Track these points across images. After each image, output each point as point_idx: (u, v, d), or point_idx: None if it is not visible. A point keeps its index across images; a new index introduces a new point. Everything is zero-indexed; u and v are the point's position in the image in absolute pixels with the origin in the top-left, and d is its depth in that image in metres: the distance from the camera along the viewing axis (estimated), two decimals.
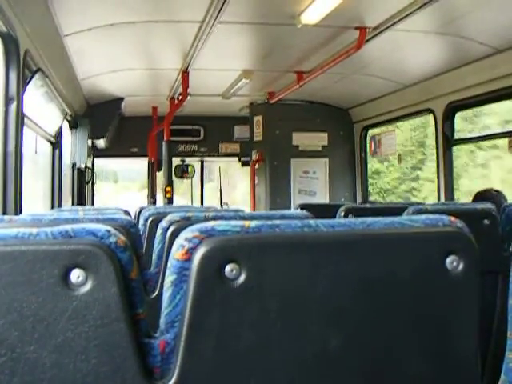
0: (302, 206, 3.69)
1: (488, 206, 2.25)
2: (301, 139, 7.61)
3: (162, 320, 0.92)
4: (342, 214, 2.86)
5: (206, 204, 9.18)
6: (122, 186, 16.31)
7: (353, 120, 7.67)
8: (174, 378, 0.88)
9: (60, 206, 5.76)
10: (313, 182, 7.67)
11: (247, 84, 6.24)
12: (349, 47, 4.78)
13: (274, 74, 6.24)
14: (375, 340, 0.94)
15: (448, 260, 0.94)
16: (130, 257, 0.89)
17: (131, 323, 0.87)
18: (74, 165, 6.94)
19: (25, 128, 3.71)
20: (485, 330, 2.17)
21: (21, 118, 3.46)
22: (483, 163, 10.11)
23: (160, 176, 7.84)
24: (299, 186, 7.63)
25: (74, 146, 6.80)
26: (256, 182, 7.78)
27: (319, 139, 7.66)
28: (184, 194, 10.65)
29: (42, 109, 4.77)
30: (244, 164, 8.74)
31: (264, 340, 0.90)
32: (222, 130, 8.67)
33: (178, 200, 10.24)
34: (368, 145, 7.46)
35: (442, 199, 5.56)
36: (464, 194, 9.25)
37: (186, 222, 1.80)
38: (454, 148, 5.71)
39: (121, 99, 7.24)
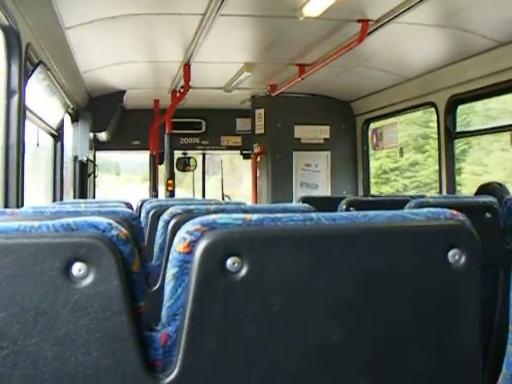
0: (304, 199, 3.70)
1: (490, 199, 2.24)
2: (303, 132, 7.60)
3: (164, 313, 0.91)
4: (344, 207, 2.87)
5: (208, 197, 9.19)
6: (125, 178, 16.24)
7: (355, 113, 7.65)
8: (175, 371, 0.88)
9: (62, 198, 5.76)
10: (315, 175, 7.67)
11: (249, 77, 6.23)
12: (351, 40, 4.76)
13: (275, 67, 6.22)
14: (377, 333, 0.94)
15: (450, 253, 0.94)
16: (131, 249, 0.88)
17: (133, 316, 0.87)
18: (75, 158, 6.93)
19: (27, 121, 3.71)
20: (486, 323, 2.17)
21: (23, 110, 3.47)
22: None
23: (162, 169, 7.84)
24: (301, 179, 7.63)
25: (75, 139, 6.79)
26: (258, 174, 7.77)
27: (321, 132, 7.65)
28: (187, 187, 10.62)
29: (44, 102, 4.76)
30: (246, 157, 8.74)
31: (265, 333, 0.90)
32: (223, 123, 8.65)
33: (181, 193, 10.23)
34: (370, 138, 7.45)
35: (444, 192, 5.56)
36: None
37: (187, 215, 1.80)
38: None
39: (123, 92, 7.22)
